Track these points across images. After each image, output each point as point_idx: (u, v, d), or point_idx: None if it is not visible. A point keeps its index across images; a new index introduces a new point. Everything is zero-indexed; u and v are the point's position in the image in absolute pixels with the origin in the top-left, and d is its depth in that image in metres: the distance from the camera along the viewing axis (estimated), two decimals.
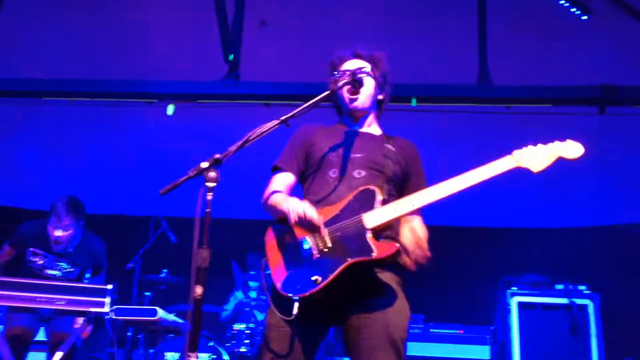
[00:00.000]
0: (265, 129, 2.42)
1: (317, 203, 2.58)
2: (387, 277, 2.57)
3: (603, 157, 6.73)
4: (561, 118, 6.27)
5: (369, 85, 2.78)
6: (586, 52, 6.44)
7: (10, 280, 4.21)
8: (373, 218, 2.43)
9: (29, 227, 4.82)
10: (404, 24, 6.58)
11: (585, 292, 5.81)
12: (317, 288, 2.36)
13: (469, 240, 7.92)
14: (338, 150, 2.71)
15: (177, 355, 5.56)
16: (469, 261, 7.63)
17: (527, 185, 7.39)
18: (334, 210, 2.53)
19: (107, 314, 4.23)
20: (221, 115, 6.73)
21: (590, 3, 6.08)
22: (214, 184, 2.24)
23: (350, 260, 2.37)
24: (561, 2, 6.05)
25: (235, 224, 7.66)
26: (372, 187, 2.51)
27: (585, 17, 6.07)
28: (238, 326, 6.03)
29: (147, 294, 6.14)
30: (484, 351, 6.06)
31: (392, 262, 2.54)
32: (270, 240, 2.60)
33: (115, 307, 4.79)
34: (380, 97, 2.87)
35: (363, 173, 2.63)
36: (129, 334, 5.80)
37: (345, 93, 2.75)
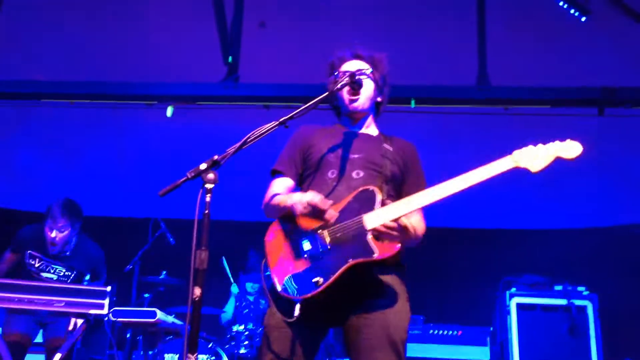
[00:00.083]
0: (264, 131, 2.41)
1: None
2: (388, 278, 2.57)
3: (602, 159, 6.74)
4: (560, 119, 6.27)
5: (368, 87, 2.77)
6: (585, 53, 6.45)
7: (9, 282, 4.20)
8: (373, 219, 2.42)
9: (28, 231, 4.87)
10: (403, 25, 6.58)
11: (584, 293, 5.81)
12: (319, 290, 2.36)
13: (468, 242, 7.92)
14: (337, 151, 2.71)
15: (176, 356, 5.56)
16: (468, 262, 7.63)
17: (526, 186, 7.39)
18: (332, 206, 2.52)
19: (106, 315, 4.22)
20: (220, 117, 6.73)
21: (589, 4, 6.08)
22: (213, 186, 2.24)
23: (351, 262, 2.37)
24: (560, 3, 6.05)
25: (234, 225, 7.66)
26: (371, 188, 2.51)
27: (584, 18, 6.07)
28: (237, 328, 6.03)
29: (146, 295, 6.13)
30: (483, 352, 6.05)
31: (393, 262, 2.54)
32: (271, 240, 2.60)
33: (114, 308, 4.79)
34: (378, 99, 2.86)
35: (362, 174, 2.63)
36: (128, 335, 5.79)
37: (345, 94, 2.75)
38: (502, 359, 5.90)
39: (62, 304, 4.14)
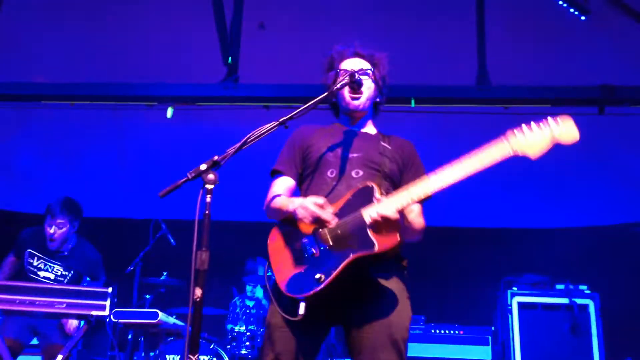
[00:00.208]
0: (264, 131, 2.42)
1: None
2: (389, 278, 2.57)
3: (603, 157, 6.74)
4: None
5: (369, 87, 2.78)
6: (585, 52, 6.44)
7: (9, 284, 4.21)
8: (372, 212, 2.42)
9: (28, 231, 4.95)
10: (403, 25, 6.58)
11: (585, 291, 5.81)
12: (322, 286, 2.36)
13: (469, 241, 7.92)
14: (336, 150, 2.71)
15: (177, 357, 5.56)
16: (469, 262, 7.63)
17: (527, 185, 7.40)
18: (333, 209, 2.53)
19: (107, 317, 4.22)
20: (220, 118, 6.73)
21: (588, 3, 6.08)
22: (213, 186, 2.24)
23: (352, 256, 2.37)
24: (560, 2, 6.05)
25: (235, 226, 7.66)
26: (369, 184, 2.51)
27: (583, 18, 6.07)
28: (239, 328, 6.03)
29: (148, 296, 6.15)
30: (485, 351, 6.05)
31: (394, 259, 2.55)
32: (273, 242, 2.61)
33: (116, 310, 4.79)
34: (377, 99, 2.86)
35: (361, 172, 2.64)
36: (130, 337, 5.80)
37: (346, 93, 2.75)
38: (503, 359, 5.90)
39: (64, 306, 4.14)
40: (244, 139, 2.37)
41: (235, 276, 6.89)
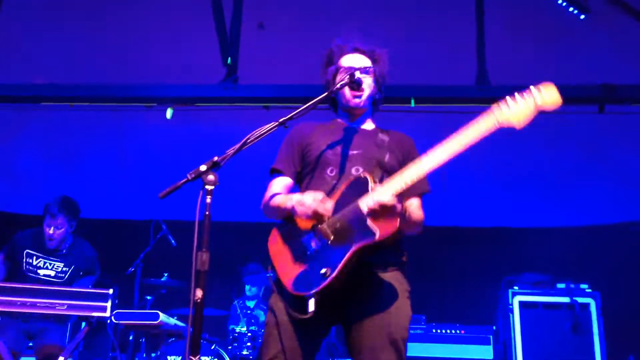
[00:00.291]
0: (264, 131, 2.42)
1: None
2: (390, 276, 2.57)
3: (603, 155, 6.73)
4: (561, 117, 6.26)
5: (369, 85, 2.78)
6: (585, 51, 6.44)
7: (10, 285, 4.22)
8: (369, 201, 2.41)
9: (23, 234, 5.02)
10: (403, 25, 6.57)
11: (586, 290, 5.81)
12: (328, 280, 2.35)
13: (470, 240, 7.91)
14: (335, 148, 2.71)
15: (179, 358, 5.56)
16: (470, 261, 7.61)
17: (527, 184, 7.39)
18: (332, 202, 2.52)
19: (108, 318, 4.22)
20: (220, 118, 6.73)
21: (588, 2, 6.08)
22: (213, 187, 2.24)
23: (355, 246, 2.36)
24: (559, 1, 6.05)
25: (236, 226, 7.66)
26: (363, 175, 2.51)
27: (583, 17, 6.07)
28: (240, 329, 6.03)
29: (149, 298, 6.14)
30: (487, 351, 6.05)
31: (393, 242, 2.54)
32: (274, 244, 2.61)
33: (117, 311, 4.80)
34: (376, 96, 2.86)
35: (361, 169, 2.63)
36: (131, 338, 5.79)
37: (346, 91, 2.75)
38: (505, 358, 5.89)
39: (65, 307, 4.15)
40: (244, 140, 2.37)
41: (236, 277, 6.89)
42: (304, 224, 2.52)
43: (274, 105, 6.19)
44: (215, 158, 2.29)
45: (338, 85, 2.65)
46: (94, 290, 4.31)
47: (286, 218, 2.60)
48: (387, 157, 2.67)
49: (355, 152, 2.69)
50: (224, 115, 6.58)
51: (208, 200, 2.23)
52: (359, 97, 2.75)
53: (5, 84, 6.31)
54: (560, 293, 5.80)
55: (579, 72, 6.27)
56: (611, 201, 7.69)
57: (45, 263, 4.85)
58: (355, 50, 2.83)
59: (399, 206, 2.37)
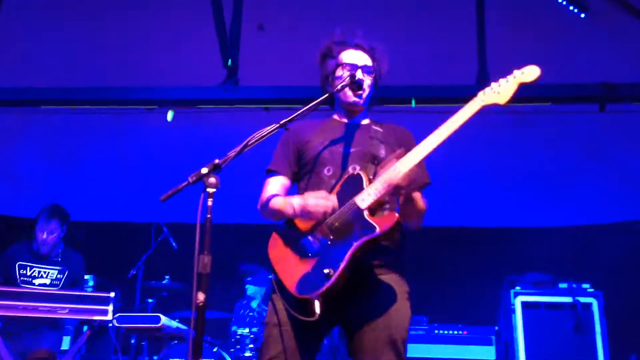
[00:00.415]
0: (265, 133, 2.41)
1: None
2: (389, 277, 2.57)
3: (604, 154, 6.72)
4: (561, 116, 6.27)
5: (369, 84, 2.78)
6: (585, 50, 6.44)
7: (12, 290, 4.21)
8: (365, 197, 2.41)
9: (13, 247, 5.05)
10: (403, 25, 6.57)
11: (589, 290, 5.80)
12: (332, 280, 2.33)
13: (471, 241, 7.91)
14: (332, 147, 2.70)
15: None
16: (471, 261, 7.61)
17: (528, 184, 7.38)
18: (335, 197, 2.51)
19: (110, 321, 4.22)
20: (221, 120, 6.73)
21: (588, 1, 6.08)
22: (214, 190, 2.24)
23: (356, 243, 2.36)
24: (559, 0, 6.05)
25: (237, 228, 7.65)
26: (356, 172, 2.52)
27: (583, 15, 6.06)
28: (242, 331, 6.02)
29: (150, 300, 6.13)
30: (489, 351, 6.04)
31: (395, 242, 2.55)
32: (274, 249, 2.59)
33: (119, 314, 4.79)
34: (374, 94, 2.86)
35: (358, 168, 2.62)
36: (133, 341, 5.78)
37: (347, 91, 2.73)
38: (507, 358, 5.89)
39: (66, 311, 4.14)
40: (245, 142, 2.36)
41: (238, 278, 6.88)
42: (304, 225, 2.52)
43: (274, 106, 6.19)
44: (217, 160, 2.28)
45: (339, 87, 2.65)
46: (96, 294, 4.30)
47: (285, 222, 2.59)
48: (381, 151, 2.65)
49: (352, 149, 2.68)
50: (224, 117, 6.58)
51: (209, 202, 2.22)
52: (359, 96, 2.75)
53: (7, 88, 6.31)
54: (563, 293, 5.79)
55: (579, 71, 6.26)
56: (612, 200, 7.69)
57: (39, 272, 4.86)
58: (357, 46, 2.80)
59: (404, 182, 2.37)
